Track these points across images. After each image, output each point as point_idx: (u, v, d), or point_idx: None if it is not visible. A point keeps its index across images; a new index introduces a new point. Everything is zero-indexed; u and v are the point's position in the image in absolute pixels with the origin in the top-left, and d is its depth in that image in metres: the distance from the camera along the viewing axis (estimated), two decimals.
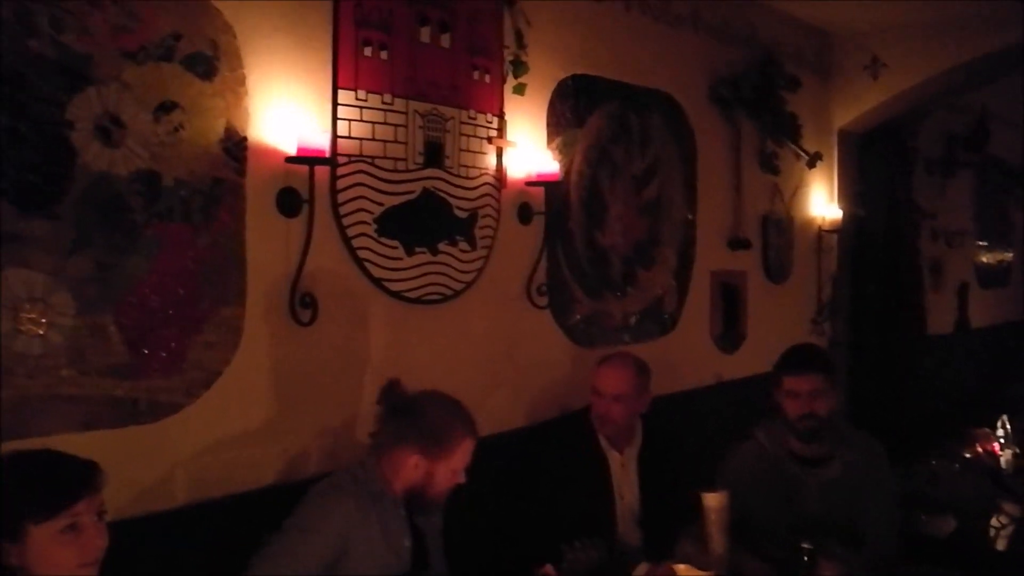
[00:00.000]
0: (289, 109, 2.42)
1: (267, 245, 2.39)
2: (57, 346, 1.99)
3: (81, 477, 1.58)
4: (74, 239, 2.01)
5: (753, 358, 4.37)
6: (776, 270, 4.64)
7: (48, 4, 1.96)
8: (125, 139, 2.09)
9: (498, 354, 3.08)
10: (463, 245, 2.90)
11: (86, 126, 2.03)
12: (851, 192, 5.23)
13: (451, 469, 2.19)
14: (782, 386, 2.70)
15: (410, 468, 2.17)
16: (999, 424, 3.88)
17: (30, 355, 1.95)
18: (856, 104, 5.04)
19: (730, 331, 4.33)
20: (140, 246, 2.13)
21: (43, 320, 1.97)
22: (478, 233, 2.95)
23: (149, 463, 2.14)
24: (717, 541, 2.41)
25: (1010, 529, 3.13)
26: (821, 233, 4.98)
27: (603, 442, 2.81)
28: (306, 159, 2.38)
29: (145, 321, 2.14)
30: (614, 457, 2.82)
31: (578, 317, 3.41)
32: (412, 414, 2.20)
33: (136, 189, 2.12)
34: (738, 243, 4.29)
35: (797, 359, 2.76)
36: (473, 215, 2.93)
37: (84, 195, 2.03)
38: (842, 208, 5.03)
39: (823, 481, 2.66)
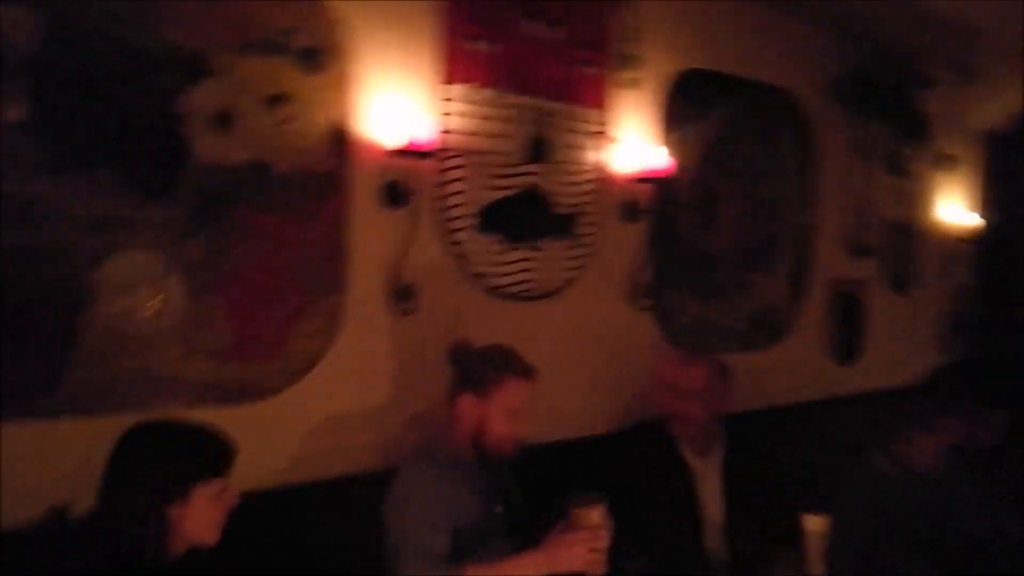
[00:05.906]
0: (396, 103, 2.45)
1: (370, 236, 2.43)
2: (167, 327, 2.09)
3: (231, 446, 1.74)
4: (187, 226, 2.10)
5: (873, 373, 4.16)
6: (902, 280, 4.39)
7: (170, 1, 2.05)
8: (237, 130, 2.17)
9: (597, 355, 3.03)
10: (565, 242, 2.87)
11: (201, 117, 2.11)
12: (992, 198, 4.89)
13: (502, 410, 2.17)
14: None
15: (465, 411, 2.19)
16: None
17: (142, 335, 2.05)
18: (1001, 104, 4.70)
19: (848, 343, 4.12)
20: (248, 234, 2.21)
21: (155, 302, 2.06)
22: (580, 230, 2.91)
23: (248, 443, 2.19)
24: (815, 566, 2.29)
25: None
26: (955, 242, 4.67)
27: (686, 450, 2.72)
28: (411, 153, 2.40)
29: (250, 306, 2.22)
30: (696, 465, 2.72)
31: (683, 321, 3.32)
32: (462, 363, 2.24)
33: (246, 179, 2.19)
34: (861, 250, 4.08)
35: None
36: (576, 212, 2.89)
37: (197, 184, 2.11)
38: (980, 215, 4.71)
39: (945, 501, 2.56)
